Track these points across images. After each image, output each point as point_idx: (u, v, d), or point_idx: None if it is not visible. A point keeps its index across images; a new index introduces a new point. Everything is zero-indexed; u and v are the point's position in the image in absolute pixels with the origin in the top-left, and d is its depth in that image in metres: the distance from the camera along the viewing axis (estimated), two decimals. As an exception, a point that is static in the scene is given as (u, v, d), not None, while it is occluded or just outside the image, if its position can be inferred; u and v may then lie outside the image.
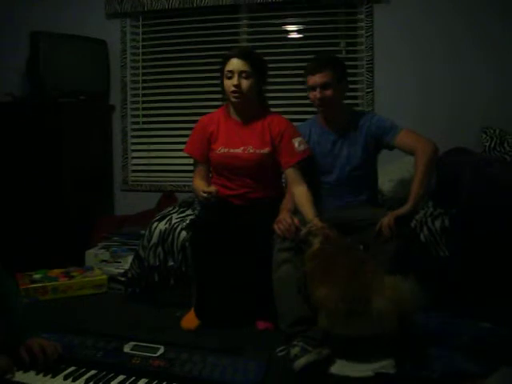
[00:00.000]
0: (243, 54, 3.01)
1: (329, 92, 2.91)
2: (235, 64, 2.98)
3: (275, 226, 2.77)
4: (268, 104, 3.24)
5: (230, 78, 2.99)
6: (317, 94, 2.92)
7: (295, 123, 3.20)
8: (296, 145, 3.01)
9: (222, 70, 3.04)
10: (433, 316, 2.69)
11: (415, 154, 2.88)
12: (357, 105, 4.18)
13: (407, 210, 2.76)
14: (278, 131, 3.06)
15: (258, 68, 3.03)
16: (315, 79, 2.92)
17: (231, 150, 3.07)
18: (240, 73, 2.97)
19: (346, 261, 2.50)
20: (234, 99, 3.01)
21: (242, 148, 3.06)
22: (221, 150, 3.09)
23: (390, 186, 3.61)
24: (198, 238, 2.92)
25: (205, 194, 2.83)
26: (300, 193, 2.93)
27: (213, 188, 2.86)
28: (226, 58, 3.02)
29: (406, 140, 2.93)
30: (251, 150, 3.05)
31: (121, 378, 2.14)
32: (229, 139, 3.09)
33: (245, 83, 2.98)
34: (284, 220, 2.76)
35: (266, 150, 3.05)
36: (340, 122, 3.04)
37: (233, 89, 2.98)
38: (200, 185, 3.00)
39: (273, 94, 4.28)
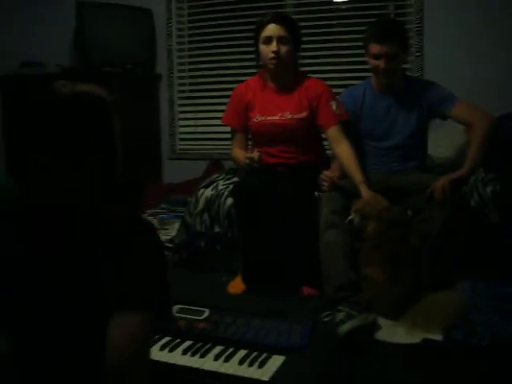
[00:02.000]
0: (281, 19, 2.97)
1: (394, 63, 2.84)
2: (273, 29, 2.94)
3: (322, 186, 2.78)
4: (300, 69, 3.19)
5: (267, 43, 2.95)
6: (381, 63, 2.83)
7: (341, 89, 3.15)
8: (334, 107, 2.97)
9: (256, 36, 3.00)
10: (481, 283, 2.63)
11: (473, 127, 2.82)
12: (405, 69, 4.07)
13: (462, 174, 2.72)
14: (315, 95, 3.01)
15: (294, 33, 2.99)
16: (382, 49, 2.81)
17: (268, 118, 3.05)
18: (278, 38, 2.93)
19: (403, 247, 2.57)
20: (272, 66, 2.98)
21: (279, 115, 3.03)
22: (258, 118, 3.07)
23: (441, 152, 3.53)
24: (242, 203, 2.92)
25: (247, 160, 2.82)
26: (343, 152, 2.89)
27: (255, 154, 2.85)
28: (262, 24, 2.98)
29: (463, 112, 2.87)
30: (288, 116, 3.02)
31: (166, 339, 2.20)
32: (265, 107, 3.06)
33: (283, 49, 2.94)
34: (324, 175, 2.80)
35: (304, 114, 3.02)
36: (396, 88, 2.97)
37: (272, 55, 2.94)
38: (240, 153, 3.00)
39: (319, 59, 4.23)
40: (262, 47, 2.97)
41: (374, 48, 2.84)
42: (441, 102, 2.90)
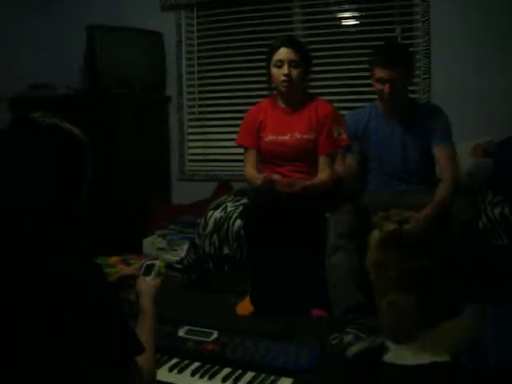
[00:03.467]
0: (292, 43, 3.07)
1: (398, 87, 2.85)
2: (285, 53, 3.02)
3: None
4: (309, 91, 3.28)
5: (279, 67, 3.02)
6: (385, 88, 2.85)
7: (347, 111, 3.19)
8: (335, 134, 3.05)
9: (268, 59, 3.08)
10: (490, 306, 2.63)
11: (442, 177, 2.88)
12: (413, 91, 4.10)
13: (428, 213, 2.71)
14: (323, 115, 3.10)
15: (305, 57, 3.08)
16: (386, 73, 2.83)
17: (279, 137, 3.12)
18: (290, 62, 3.01)
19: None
20: (283, 88, 3.06)
21: (289, 135, 3.11)
22: (269, 137, 3.14)
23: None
24: (252, 224, 2.94)
25: (259, 182, 2.85)
26: (321, 179, 3.04)
27: (275, 176, 2.91)
28: (274, 47, 3.07)
29: (442, 158, 2.92)
30: (298, 136, 3.09)
31: (174, 360, 2.20)
32: (277, 127, 3.14)
33: (294, 72, 3.03)
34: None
35: (313, 135, 3.09)
36: (401, 112, 2.99)
37: (283, 78, 3.02)
38: (253, 173, 3.05)
39: (326, 82, 4.26)
40: (274, 70, 3.05)
41: (379, 72, 2.86)
42: (434, 133, 2.93)
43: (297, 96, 3.13)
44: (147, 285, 1.68)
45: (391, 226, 2.65)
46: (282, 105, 3.18)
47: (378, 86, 2.90)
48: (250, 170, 3.15)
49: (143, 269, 1.76)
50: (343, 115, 3.25)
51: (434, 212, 2.71)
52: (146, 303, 1.61)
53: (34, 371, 1.20)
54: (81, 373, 1.23)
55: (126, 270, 1.78)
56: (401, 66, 2.83)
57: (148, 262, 1.80)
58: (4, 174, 1.31)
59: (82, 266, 1.27)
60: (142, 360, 1.34)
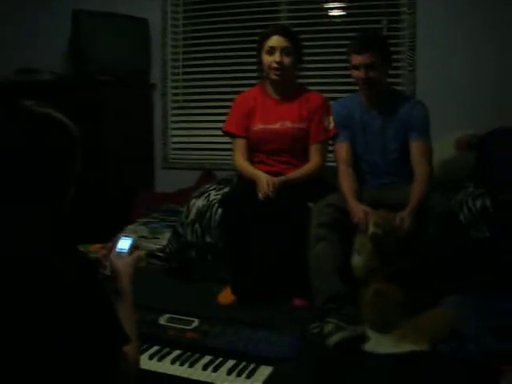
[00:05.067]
0: (284, 31, 3.08)
1: (373, 73, 2.86)
2: (277, 41, 3.03)
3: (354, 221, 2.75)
4: (299, 82, 3.28)
5: (271, 54, 3.02)
6: (361, 73, 2.87)
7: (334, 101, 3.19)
8: (326, 123, 3.07)
9: (260, 47, 3.08)
10: (471, 297, 2.65)
11: (415, 174, 2.86)
12: (398, 84, 4.10)
13: (411, 211, 2.72)
14: (314, 107, 3.11)
15: (297, 45, 3.09)
16: (360, 59, 2.85)
17: (268, 126, 3.11)
18: (282, 49, 3.02)
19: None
20: (274, 76, 3.06)
21: (278, 123, 3.10)
22: (258, 126, 3.13)
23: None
24: (231, 212, 2.94)
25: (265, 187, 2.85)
26: (308, 167, 3.05)
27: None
28: (267, 35, 3.07)
29: (417, 152, 2.91)
30: (289, 125, 3.09)
31: (155, 348, 2.20)
32: (266, 115, 3.13)
33: (286, 60, 3.03)
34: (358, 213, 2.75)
35: (304, 124, 3.10)
36: (383, 102, 3.00)
37: (275, 65, 3.03)
38: (249, 167, 3.07)
39: (312, 72, 4.25)
40: (266, 57, 3.05)
41: (354, 59, 2.89)
42: (411, 128, 2.93)
43: (288, 85, 3.14)
44: (125, 263, 1.61)
45: (372, 230, 2.66)
46: (272, 93, 3.17)
47: (354, 73, 2.92)
48: (243, 162, 3.12)
49: (117, 243, 1.67)
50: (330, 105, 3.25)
51: (413, 214, 2.71)
52: (126, 284, 1.56)
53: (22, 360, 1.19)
54: (69, 364, 1.21)
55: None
56: (374, 51, 2.85)
57: (123, 236, 1.71)
58: None
59: (70, 254, 1.26)
60: (127, 349, 1.33)
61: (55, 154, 1.33)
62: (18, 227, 1.25)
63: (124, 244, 1.67)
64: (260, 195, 2.84)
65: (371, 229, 2.65)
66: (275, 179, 2.89)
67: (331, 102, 3.21)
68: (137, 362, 1.41)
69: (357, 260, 2.71)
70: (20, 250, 1.21)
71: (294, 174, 3.02)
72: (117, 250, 1.66)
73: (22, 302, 1.18)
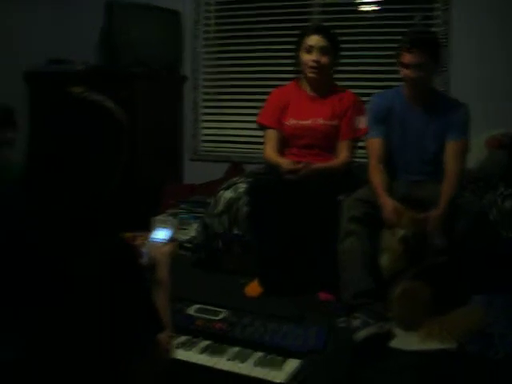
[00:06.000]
0: (323, 30, 3.13)
1: (423, 73, 2.83)
2: (316, 40, 3.08)
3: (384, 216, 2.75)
4: (335, 80, 3.32)
5: (309, 52, 3.07)
6: (410, 72, 2.83)
7: (366, 98, 3.20)
8: (357, 123, 3.10)
9: (298, 44, 3.14)
10: (498, 296, 2.64)
11: (446, 172, 2.84)
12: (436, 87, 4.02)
13: (440, 213, 2.70)
14: (347, 105, 3.15)
15: (335, 45, 3.14)
16: (411, 58, 2.81)
17: (301, 122, 3.16)
18: (320, 48, 3.07)
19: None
20: (311, 74, 3.12)
21: (311, 120, 3.14)
22: (291, 121, 3.18)
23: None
24: (257, 201, 2.99)
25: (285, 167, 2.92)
26: (335, 163, 3.09)
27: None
28: (306, 33, 3.13)
29: (450, 151, 2.88)
30: (321, 122, 3.14)
31: (183, 338, 2.22)
32: (299, 111, 3.18)
33: (324, 59, 3.09)
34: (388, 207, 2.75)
35: (335, 122, 3.14)
36: (425, 101, 2.96)
37: (312, 64, 3.08)
38: (275, 156, 3.11)
39: (345, 67, 4.23)
40: (304, 55, 3.11)
41: (405, 57, 2.84)
42: (453, 128, 2.90)
43: (323, 83, 3.18)
44: (162, 253, 1.63)
45: (402, 233, 2.65)
46: (307, 90, 3.22)
47: (404, 72, 2.88)
48: (271, 152, 3.16)
49: (155, 233, 1.69)
50: (365, 102, 3.25)
51: (442, 215, 2.70)
52: (163, 273, 1.58)
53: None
54: (106, 349, 1.25)
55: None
56: (426, 51, 2.81)
57: (160, 227, 1.73)
58: (49, 147, 1.32)
59: (112, 238, 1.30)
60: (161, 337, 1.35)
61: (106, 141, 1.36)
62: (66, 207, 1.29)
63: (161, 234, 1.69)
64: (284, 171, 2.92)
65: (401, 231, 2.65)
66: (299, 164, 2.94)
67: (372, 95, 3.21)
68: (170, 350, 1.43)
69: (384, 260, 2.71)
70: (67, 229, 1.25)
71: (321, 164, 3.05)
72: (154, 239, 1.68)
73: (63, 279, 1.22)
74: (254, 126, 3.33)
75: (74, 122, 1.33)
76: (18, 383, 1.23)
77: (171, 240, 1.70)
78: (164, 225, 1.73)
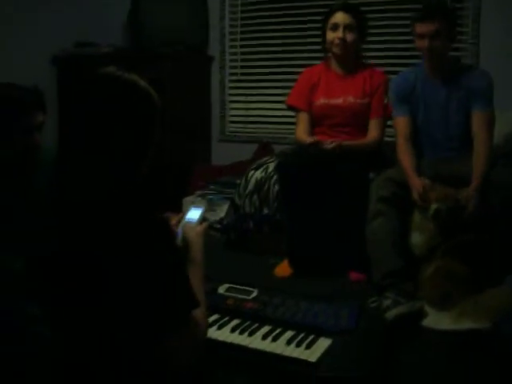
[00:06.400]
0: (349, 8, 3.12)
1: (438, 42, 2.79)
2: (341, 17, 3.08)
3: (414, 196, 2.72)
4: (364, 58, 3.34)
5: (334, 30, 3.07)
6: (425, 43, 2.80)
7: (392, 76, 3.18)
8: (385, 101, 3.10)
9: (325, 22, 3.14)
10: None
11: (476, 146, 2.79)
12: (460, 57, 3.99)
13: (476, 188, 2.66)
14: (377, 83, 3.15)
15: (360, 22, 3.12)
16: (424, 28, 2.78)
17: (331, 101, 3.16)
18: (345, 26, 3.06)
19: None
20: (337, 51, 3.11)
21: (342, 98, 3.15)
22: (321, 100, 3.18)
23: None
24: (286, 177, 3.00)
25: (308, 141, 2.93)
26: (367, 140, 3.11)
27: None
28: (331, 11, 3.12)
29: (477, 123, 2.83)
30: (352, 100, 3.14)
31: (215, 317, 2.24)
32: (329, 90, 3.18)
33: (349, 36, 3.08)
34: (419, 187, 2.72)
35: (366, 100, 3.14)
36: (445, 73, 2.93)
37: (337, 41, 3.08)
38: (305, 137, 3.10)
39: (373, 45, 4.18)
40: (329, 33, 3.11)
41: (418, 27, 2.82)
42: (477, 97, 2.85)
43: (351, 60, 3.18)
44: (196, 233, 1.64)
45: (435, 206, 2.62)
46: (335, 68, 3.22)
47: (419, 43, 2.85)
48: (303, 134, 3.15)
49: (188, 213, 1.71)
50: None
51: (477, 191, 2.67)
52: (197, 253, 1.60)
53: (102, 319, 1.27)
54: (143, 325, 1.27)
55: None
56: (438, 20, 2.77)
57: (193, 206, 1.75)
58: (84, 126, 1.35)
59: (149, 214, 1.32)
60: (197, 314, 1.37)
61: (140, 120, 1.37)
62: (101, 188, 1.32)
63: (194, 214, 1.71)
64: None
65: (434, 205, 2.62)
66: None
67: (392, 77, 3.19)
68: (205, 326, 1.45)
69: (416, 238, 2.69)
70: (104, 209, 1.29)
71: (352, 142, 3.05)
72: (187, 219, 1.69)
73: (101, 258, 1.26)
74: (282, 106, 3.32)
75: (108, 100, 1.34)
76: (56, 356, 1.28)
77: (203, 220, 1.71)
78: (196, 205, 1.75)
